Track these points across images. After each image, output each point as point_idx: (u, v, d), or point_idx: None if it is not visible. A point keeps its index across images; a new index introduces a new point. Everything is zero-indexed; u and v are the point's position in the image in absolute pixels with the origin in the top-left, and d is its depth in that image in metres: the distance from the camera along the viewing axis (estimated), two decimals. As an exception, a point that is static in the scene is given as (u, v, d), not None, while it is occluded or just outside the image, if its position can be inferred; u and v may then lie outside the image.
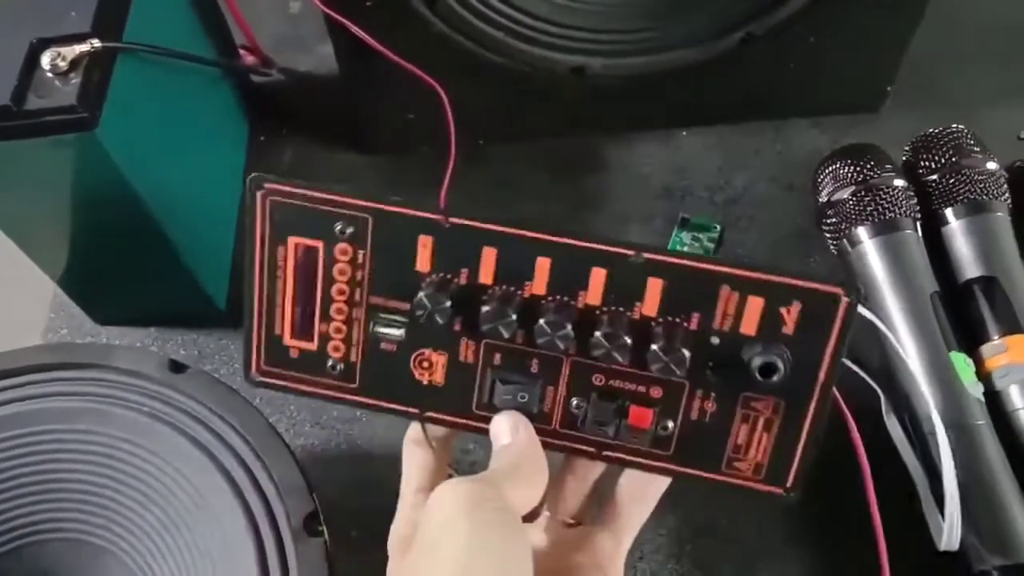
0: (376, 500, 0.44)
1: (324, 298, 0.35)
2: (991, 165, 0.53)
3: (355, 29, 0.52)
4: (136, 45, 0.45)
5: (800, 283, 0.32)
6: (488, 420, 0.35)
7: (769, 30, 0.55)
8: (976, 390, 0.48)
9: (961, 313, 0.51)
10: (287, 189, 0.34)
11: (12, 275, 0.54)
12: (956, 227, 0.53)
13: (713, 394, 0.34)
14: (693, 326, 0.33)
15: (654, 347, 0.32)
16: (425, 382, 0.35)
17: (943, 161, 0.54)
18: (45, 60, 0.42)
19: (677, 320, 0.33)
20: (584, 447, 0.35)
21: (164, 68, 0.50)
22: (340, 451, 0.39)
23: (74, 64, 0.43)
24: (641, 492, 0.36)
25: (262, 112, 0.65)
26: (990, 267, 0.51)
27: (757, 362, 0.32)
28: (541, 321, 0.32)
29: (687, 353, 0.32)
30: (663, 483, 0.36)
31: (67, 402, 0.43)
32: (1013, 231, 0.52)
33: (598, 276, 0.33)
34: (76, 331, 0.57)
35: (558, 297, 0.33)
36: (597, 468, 0.38)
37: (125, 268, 0.52)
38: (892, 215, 0.52)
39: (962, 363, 0.49)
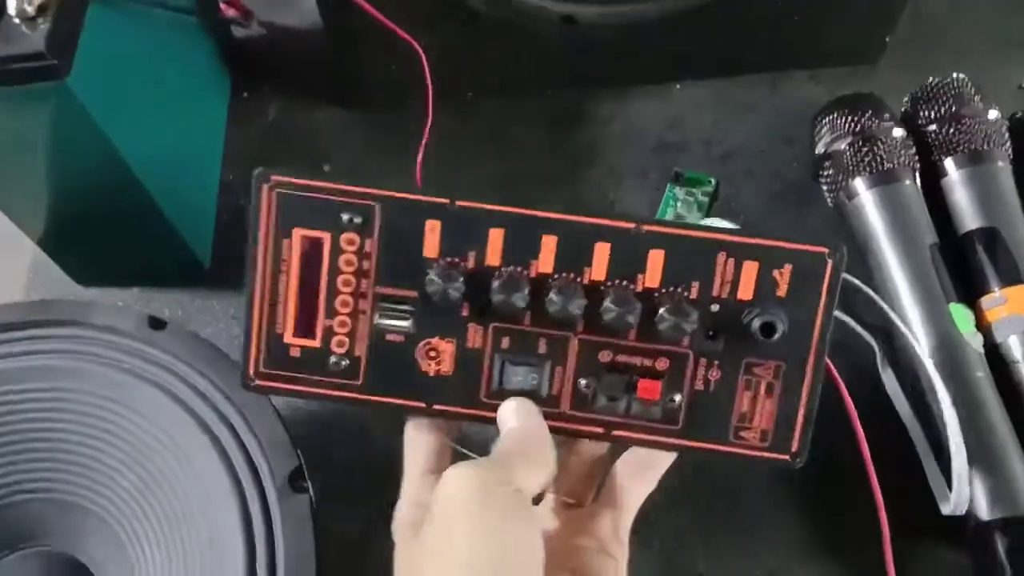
0: (363, 451, 0.44)
1: (329, 291, 0.35)
2: (992, 114, 0.52)
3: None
4: (108, -10, 0.43)
5: (789, 245, 0.34)
6: (496, 409, 0.35)
7: (764, -24, 0.53)
8: (976, 341, 0.47)
9: (961, 265, 0.50)
10: (294, 181, 0.34)
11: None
12: (956, 178, 0.51)
13: (716, 362, 0.35)
14: (694, 295, 0.34)
15: (662, 310, 0.33)
16: (432, 373, 0.35)
17: (943, 111, 0.52)
18: (11, 5, 0.40)
19: (679, 290, 0.34)
20: (594, 428, 0.36)
21: (140, 16, 0.49)
22: (324, 405, 0.38)
23: (42, 9, 0.41)
24: (640, 471, 0.36)
25: (245, 68, 0.64)
26: (990, 218, 0.50)
27: (757, 323, 0.33)
28: (552, 293, 0.33)
29: (693, 316, 0.33)
30: (664, 461, 0.36)
31: (47, 359, 0.42)
32: (1014, 181, 0.51)
33: (602, 251, 0.34)
34: (56, 292, 0.56)
35: (564, 274, 0.34)
36: (599, 448, 0.38)
37: (105, 226, 0.51)
38: (890, 166, 0.51)
39: (962, 315, 0.48)
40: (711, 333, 0.35)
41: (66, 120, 0.43)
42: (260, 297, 0.35)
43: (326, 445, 0.46)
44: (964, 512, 0.43)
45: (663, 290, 0.34)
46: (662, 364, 0.35)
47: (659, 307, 0.34)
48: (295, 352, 0.36)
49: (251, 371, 0.36)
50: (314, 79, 0.63)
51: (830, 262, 0.34)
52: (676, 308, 0.33)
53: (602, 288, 0.34)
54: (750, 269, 0.34)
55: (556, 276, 0.34)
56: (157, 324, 0.43)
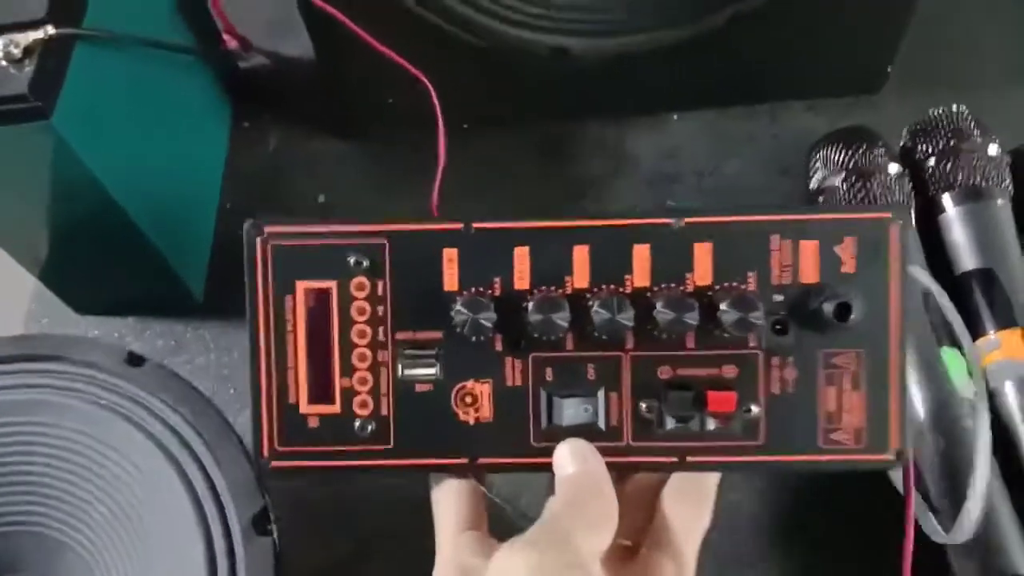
0: (338, 489, 0.43)
1: (344, 346, 0.32)
2: (992, 149, 0.51)
3: (340, 17, 0.51)
4: (94, 31, 0.44)
5: (847, 216, 0.31)
6: (549, 453, 0.32)
7: (758, 8, 0.53)
8: (967, 390, 0.46)
9: (958, 305, 0.48)
10: (291, 229, 0.32)
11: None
12: (953, 215, 0.50)
13: (790, 359, 0.31)
14: (752, 286, 0.31)
15: (723, 306, 0.30)
16: (472, 422, 0.32)
17: (941, 145, 0.51)
18: (-2, 48, 0.42)
19: (734, 284, 0.31)
20: (665, 459, 0.32)
21: (132, 53, 0.50)
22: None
23: (28, 51, 0.42)
24: (689, 502, 0.32)
25: (245, 97, 0.64)
26: (987, 258, 0.48)
27: (830, 306, 0.30)
28: (596, 306, 0.30)
29: (759, 308, 0.30)
30: (709, 483, 0.32)
31: (26, 394, 0.43)
32: (1015, 218, 0.50)
33: (642, 254, 0.31)
34: (56, 320, 0.57)
35: (605, 287, 0.31)
36: (655, 481, 0.34)
37: (96, 257, 0.52)
38: (884, 204, 0.50)
39: (954, 360, 0.46)
40: (779, 327, 0.31)
41: (51, 157, 0.44)
42: (266, 366, 0.32)
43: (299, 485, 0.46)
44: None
45: (717, 287, 0.31)
46: (730, 371, 0.31)
47: (717, 305, 0.30)
48: (313, 422, 0.32)
49: (265, 451, 0.32)
50: (314, 109, 0.64)
51: (894, 226, 0.31)
52: (739, 301, 0.30)
53: (648, 295, 0.31)
54: (809, 248, 0.31)
55: (595, 290, 0.31)
56: (136, 360, 0.43)
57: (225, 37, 0.63)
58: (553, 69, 0.57)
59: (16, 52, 0.42)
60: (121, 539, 0.41)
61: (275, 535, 0.39)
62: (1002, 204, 0.50)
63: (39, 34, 0.42)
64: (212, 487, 0.40)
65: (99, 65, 0.46)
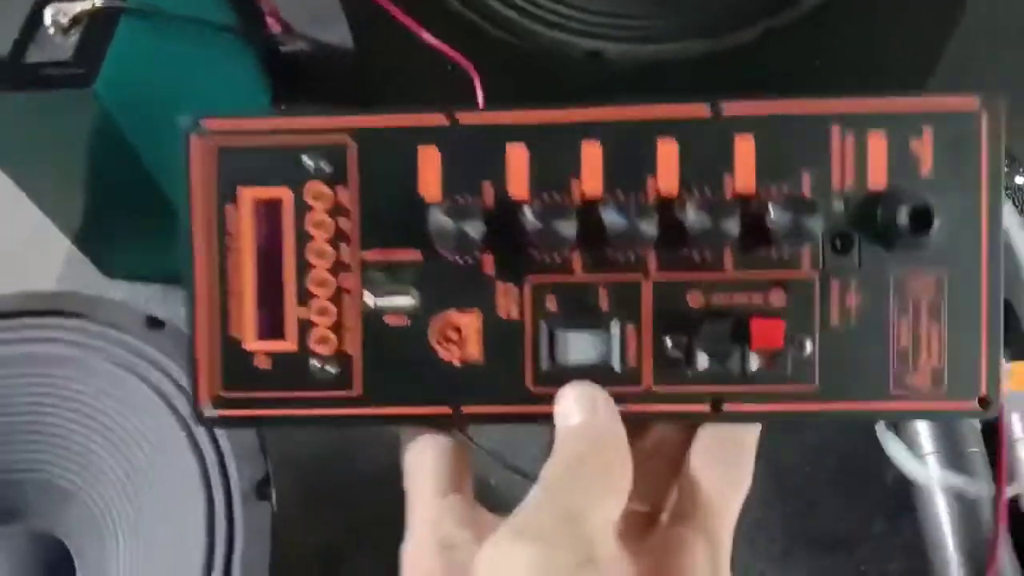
0: (343, 465, 0.43)
1: (299, 268, 0.26)
2: (1020, 179, 0.50)
3: (385, 3, 0.52)
4: (139, 5, 0.46)
5: (925, 102, 0.25)
6: (550, 400, 0.26)
7: (791, 22, 0.53)
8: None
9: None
10: (235, 125, 0.26)
11: (30, 225, 0.56)
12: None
13: (854, 282, 0.26)
14: (805, 191, 0.25)
15: (772, 210, 0.24)
16: (456, 362, 0.27)
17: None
18: (47, 16, 0.44)
19: (784, 188, 0.25)
20: (695, 407, 0.26)
21: (175, 29, 0.51)
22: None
23: (75, 21, 0.44)
24: (725, 458, 0.26)
25: (284, 81, 0.66)
26: (1006, 291, 0.48)
27: (904, 212, 0.24)
28: (610, 211, 0.25)
29: (816, 215, 0.24)
30: (750, 438, 0.27)
31: (50, 348, 0.45)
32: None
33: (668, 151, 0.25)
34: (87, 283, 0.59)
35: (622, 193, 0.26)
36: (681, 435, 0.28)
37: (130, 226, 0.54)
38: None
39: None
40: (839, 243, 0.26)
41: (91, 124, 0.46)
42: (205, 292, 0.27)
43: (305, 449, 0.47)
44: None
45: (762, 192, 0.25)
46: (778, 297, 0.26)
47: (762, 213, 0.25)
48: (262, 362, 0.27)
49: (203, 396, 0.27)
50: (351, 97, 0.65)
51: (985, 115, 0.25)
52: (791, 204, 0.24)
53: (676, 204, 0.25)
54: (878, 143, 0.25)
55: (610, 195, 0.26)
56: (155, 324, 0.45)
57: (268, 20, 0.64)
58: (585, 72, 0.57)
59: (64, 21, 0.44)
60: (127, 494, 0.42)
61: (273, 501, 0.40)
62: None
63: (86, 5, 0.44)
64: (218, 449, 0.41)
65: (143, 38, 0.47)
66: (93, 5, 0.44)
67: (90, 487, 0.43)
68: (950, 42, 0.55)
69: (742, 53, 0.54)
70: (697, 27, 0.54)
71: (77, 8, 0.44)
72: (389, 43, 0.55)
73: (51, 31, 0.44)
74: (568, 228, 0.25)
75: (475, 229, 0.25)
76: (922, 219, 0.24)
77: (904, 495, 0.46)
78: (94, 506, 0.44)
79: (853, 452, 0.48)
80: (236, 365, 0.27)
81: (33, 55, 0.43)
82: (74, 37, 0.44)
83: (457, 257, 0.26)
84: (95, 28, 0.44)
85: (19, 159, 0.49)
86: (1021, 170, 0.51)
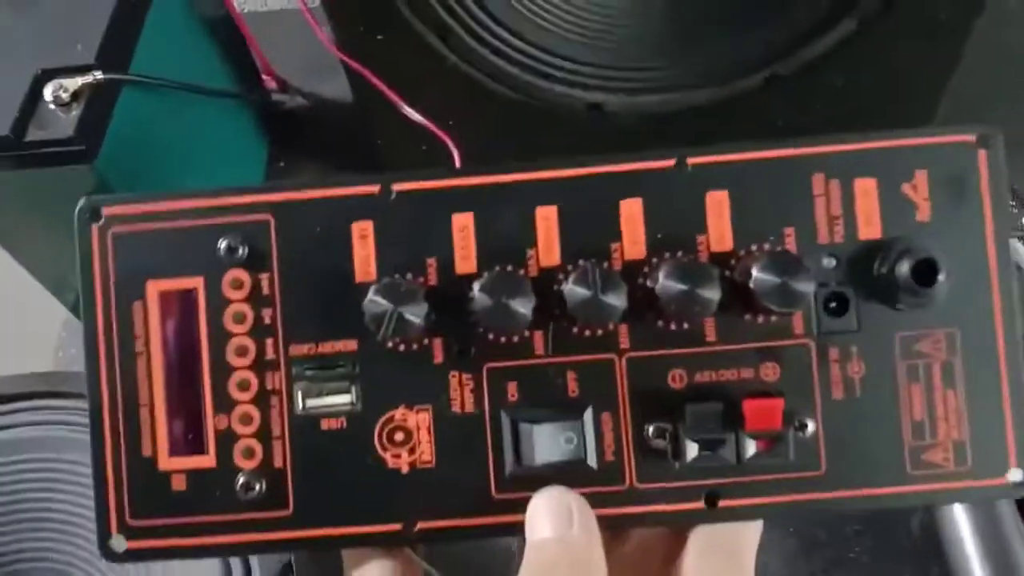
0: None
1: (217, 370, 0.23)
2: (1028, 221, 0.50)
3: (373, 80, 0.52)
4: (139, 77, 0.45)
5: (916, 141, 0.23)
6: (518, 508, 0.22)
7: (795, 70, 0.53)
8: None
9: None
10: (137, 209, 0.23)
11: (26, 293, 0.55)
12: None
13: (854, 347, 0.23)
14: (791, 246, 0.23)
15: (755, 272, 0.21)
16: (405, 469, 0.23)
17: None
18: (48, 92, 0.43)
19: (765, 247, 0.23)
20: (685, 505, 0.23)
21: (174, 97, 0.50)
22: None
23: (76, 96, 0.43)
24: (722, 563, 0.23)
25: (282, 137, 0.65)
26: None
27: (905, 267, 0.22)
28: (571, 283, 0.22)
29: (806, 274, 0.21)
30: (751, 536, 0.24)
31: (55, 431, 0.43)
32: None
33: (633, 212, 0.23)
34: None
35: (582, 262, 0.23)
36: (668, 537, 0.25)
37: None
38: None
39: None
40: (833, 303, 0.23)
41: (93, 199, 0.45)
42: (109, 404, 0.23)
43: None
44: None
45: (741, 252, 0.23)
46: (771, 371, 0.23)
47: (746, 274, 0.22)
48: (179, 483, 0.23)
49: (113, 527, 0.23)
50: (350, 151, 0.64)
51: (983, 152, 0.23)
52: (778, 261, 0.21)
53: (646, 269, 0.23)
54: (866, 189, 0.23)
55: (569, 267, 0.23)
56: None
57: (264, 78, 0.64)
58: (586, 124, 0.57)
59: (65, 96, 0.43)
60: (143, 583, 0.41)
61: (296, 585, 0.39)
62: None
63: (87, 79, 0.43)
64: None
65: (143, 109, 0.46)
66: (94, 79, 0.43)
67: (102, 574, 0.42)
68: (950, 85, 0.55)
69: (746, 101, 0.54)
70: (699, 76, 0.54)
71: (78, 83, 0.43)
72: (387, 100, 0.55)
73: (52, 107, 0.43)
74: (522, 306, 0.22)
75: (415, 312, 0.22)
76: (926, 271, 0.22)
77: (932, 542, 0.46)
78: (108, 597, 0.42)
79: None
80: (148, 489, 0.23)
81: (34, 133, 0.42)
82: (75, 112, 0.43)
83: (400, 346, 0.23)
84: (96, 102, 0.43)
85: (20, 234, 0.48)
86: (1030, 212, 0.51)
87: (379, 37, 0.51)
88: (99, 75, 0.43)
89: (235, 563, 0.39)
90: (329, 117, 0.67)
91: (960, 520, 0.44)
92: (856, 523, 0.48)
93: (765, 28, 0.52)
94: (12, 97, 0.42)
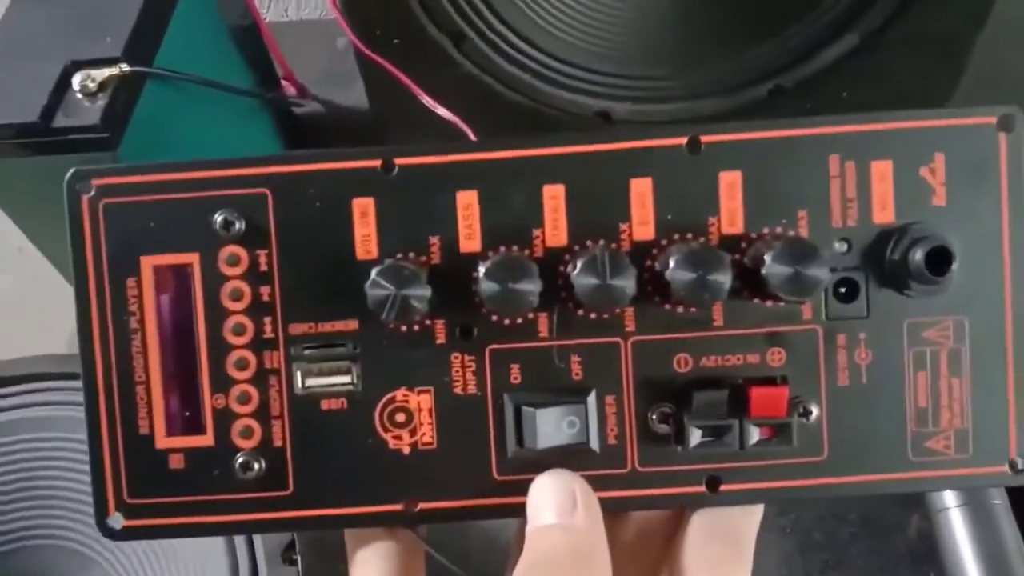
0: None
1: (215, 348, 0.23)
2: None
3: (395, 71, 0.54)
4: (163, 71, 0.47)
5: (936, 123, 0.22)
6: (520, 490, 0.23)
7: (800, 83, 0.54)
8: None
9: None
10: (130, 180, 0.23)
11: (44, 278, 0.56)
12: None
13: (862, 335, 0.23)
14: (803, 231, 0.23)
15: (768, 259, 0.21)
16: (407, 451, 0.23)
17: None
18: (75, 81, 0.44)
19: (778, 230, 0.22)
20: (687, 489, 0.23)
21: (196, 93, 0.52)
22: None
23: (103, 86, 0.44)
24: (723, 548, 0.23)
25: (299, 142, 0.67)
26: None
27: (920, 253, 0.21)
28: (579, 267, 0.21)
29: (819, 260, 0.21)
30: (752, 521, 0.24)
31: (66, 411, 0.45)
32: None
33: (643, 191, 0.22)
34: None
35: (591, 242, 0.22)
36: (670, 521, 0.25)
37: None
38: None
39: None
40: (844, 288, 0.23)
41: (115, 187, 0.46)
42: (104, 383, 0.23)
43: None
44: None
45: (752, 235, 0.22)
46: (777, 356, 0.23)
47: (757, 259, 0.21)
48: (176, 462, 0.23)
49: (111, 507, 0.23)
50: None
51: (1003, 135, 0.22)
52: (791, 249, 0.21)
53: (655, 251, 0.23)
54: (882, 172, 0.23)
55: (576, 248, 0.23)
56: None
57: (284, 83, 0.65)
58: (596, 131, 0.59)
59: (92, 86, 0.44)
60: (149, 560, 0.42)
61: (299, 567, 0.39)
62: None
63: (114, 71, 0.45)
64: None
65: (165, 103, 0.48)
66: (120, 70, 0.45)
67: (111, 553, 0.43)
68: (954, 99, 0.56)
69: (752, 111, 0.55)
70: (705, 86, 0.56)
71: (105, 74, 0.44)
72: (404, 103, 0.56)
73: (79, 96, 0.44)
74: (528, 289, 0.21)
75: (418, 295, 0.21)
76: (940, 258, 0.21)
77: (928, 545, 0.46)
78: (114, 573, 0.43)
79: (875, 503, 0.48)
80: (146, 467, 0.23)
81: (61, 120, 0.44)
82: (101, 101, 0.44)
83: (402, 326, 0.22)
84: (121, 93, 0.45)
85: (43, 222, 0.49)
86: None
87: (395, 41, 0.53)
88: (125, 67, 0.45)
89: (238, 540, 0.40)
90: (345, 124, 0.68)
91: (956, 524, 0.44)
92: (852, 525, 0.48)
93: (769, 41, 0.54)
94: (42, 86, 0.44)
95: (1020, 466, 0.23)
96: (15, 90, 0.44)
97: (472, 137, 0.53)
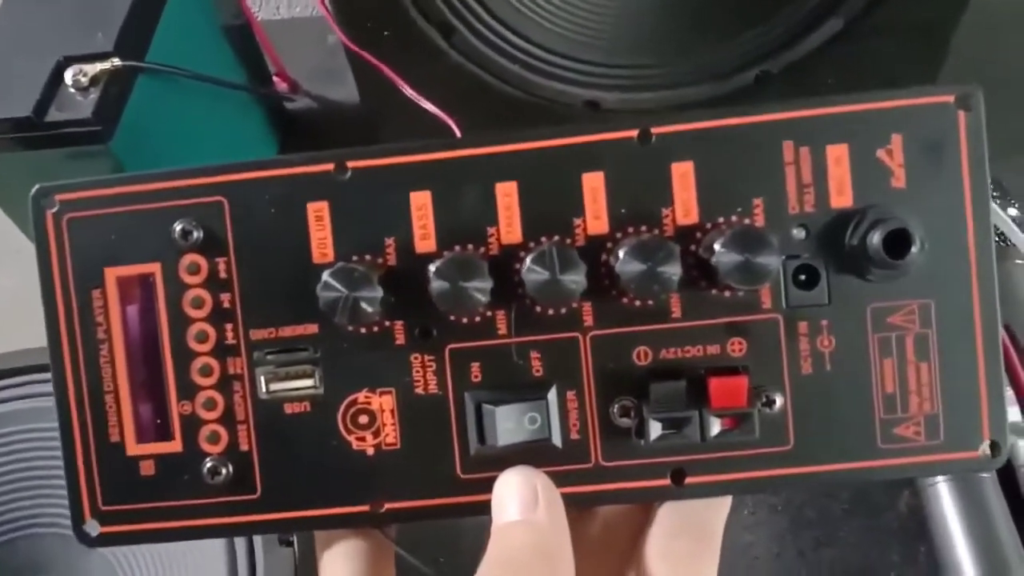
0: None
1: (179, 356, 0.23)
2: (1012, 212, 0.52)
3: (380, 66, 0.54)
4: (155, 65, 0.47)
5: (891, 104, 0.22)
6: (485, 488, 0.23)
7: (785, 68, 0.55)
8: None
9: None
10: (91, 194, 0.24)
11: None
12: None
13: (825, 321, 0.22)
14: (759, 220, 0.22)
15: (718, 247, 0.21)
16: (370, 451, 0.23)
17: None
18: (68, 76, 0.45)
19: (733, 219, 0.22)
20: (651, 482, 0.23)
21: (188, 88, 0.53)
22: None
23: (94, 80, 0.45)
24: (689, 542, 0.23)
25: (292, 138, 0.67)
26: (1005, 315, 0.49)
27: (878, 237, 0.21)
28: (530, 263, 0.21)
29: (772, 247, 0.21)
30: (719, 514, 0.24)
31: (49, 401, 0.45)
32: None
33: (595, 185, 0.23)
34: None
35: (545, 238, 0.23)
36: (635, 516, 0.25)
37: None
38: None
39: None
40: (802, 277, 0.22)
41: (108, 180, 0.47)
42: (75, 392, 0.24)
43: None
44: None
45: (708, 224, 0.22)
46: (738, 346, 0.23)
47: (710, 249, 0.21)
48: (147, 468, 0.24)
49: (87, 513, 0.24)
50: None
51: (962, 113, 0.22)
52: (740, 237, 0.21)
53: (609, 245, 0.23)
54: (838, 156, 0.22)
55: (531, 244, 0.23)
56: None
57: (275, 79, 0.66)
58: (584, 122, 0.59)
59: (84, 81, 0.45)
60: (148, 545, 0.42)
61: (295, 548, 0.40)
62: (1020, 264, 0.51)
63: (106, 65, 0.45)
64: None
65: (157, 96, 0.49)
66: (112, 65, 0.45)
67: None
68: (936, 81, 0.57)
69: (739, 98, 0.56)
70: (692, 74, 0.56)
71: (97, 68, 0.45)
72: (394, 97, 0.57)
73: (71, 90, 0.45)
74: (478, 288, 0.22)
75: (368, 298, 0.22)
76: (899, 241, 0.21)
77: (918, 521, 0.46)
78: (114, 559, 0.43)
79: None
80: (119, 475, 0.24)
81: (54, 114, 0.44)
82: (93, 96, 0.45)
83: (361, 328, 0.23)
84: (113, 87, 0.46)
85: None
86: (1012, 202, 0.52)
87: (385, 33, 0.53)
88: (117, 62, 0.45)
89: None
90: (337, 119, 0.69)
91: (945, 500, 0.45)
92: (844, 503, 0.49)
93: (755, 27, 0.54)
94: (35, 81, 0.45)
95: (992, 450, 0.23)
96: (8, 85, 0.44)
97: (456, 130, 0.54)
